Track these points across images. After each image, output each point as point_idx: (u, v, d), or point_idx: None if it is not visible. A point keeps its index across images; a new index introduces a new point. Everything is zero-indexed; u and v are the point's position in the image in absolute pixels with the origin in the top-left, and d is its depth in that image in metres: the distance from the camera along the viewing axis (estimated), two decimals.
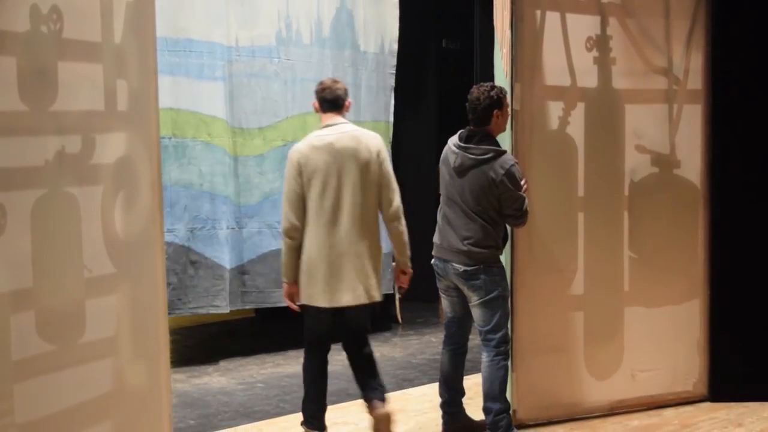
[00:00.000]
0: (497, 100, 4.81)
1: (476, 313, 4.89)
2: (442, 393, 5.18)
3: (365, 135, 4.81)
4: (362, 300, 4.75)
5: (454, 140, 4.92)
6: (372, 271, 4.77)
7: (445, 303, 5.12)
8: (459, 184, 4.84)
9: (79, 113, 3.59)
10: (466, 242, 4.81)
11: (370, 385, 4.92)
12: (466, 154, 4.81)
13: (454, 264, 4.85)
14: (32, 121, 3.36)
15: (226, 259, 6.91)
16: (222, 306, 6.91)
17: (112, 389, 3.83)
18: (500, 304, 4.86)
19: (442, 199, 4.99)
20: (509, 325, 5.09)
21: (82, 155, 3.59)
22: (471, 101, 4.85)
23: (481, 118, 4.83)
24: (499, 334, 4.86)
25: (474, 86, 4.90)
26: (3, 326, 3.23)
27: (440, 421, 5.25)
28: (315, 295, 4.72)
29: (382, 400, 4.90)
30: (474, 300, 4.86)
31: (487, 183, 4.73)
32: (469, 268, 4.80)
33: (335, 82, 4.89)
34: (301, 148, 4.78)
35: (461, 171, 4.82)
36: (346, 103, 4.86)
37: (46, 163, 3.41)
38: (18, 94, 3.27)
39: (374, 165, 4.74)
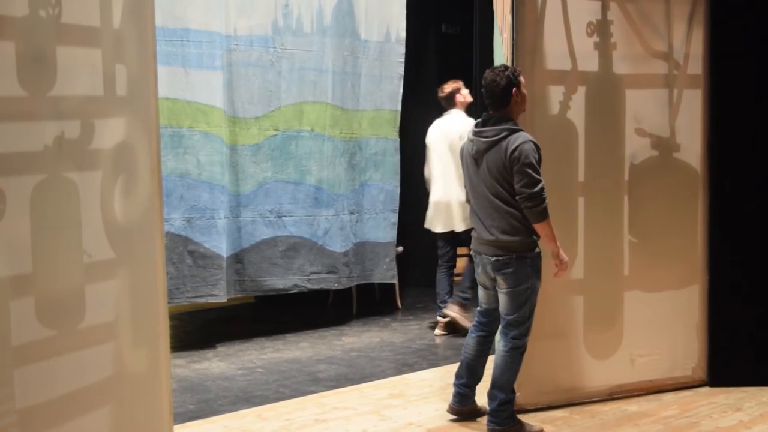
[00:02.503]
0: (515, 78, 4.72)
1: (502, 299, 4.81)
2: (461, 374, 5.11)
3: (458, 122, 7.19)
4: (449, 228, 7.41)
5: (474, 126, 4.87)
6: (456, 211, 7.30)
7: (480, 293, 5.04)
8: (479, 172, 4.76)
9: (78, 98, 3.59)
10: (493, 231, 4.72)
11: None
12: (480, 139, 4.73)
13: (487, 255, 4.79)
14: (31, 106, 3.35)
15: (223, 248, 6.93)
16: (220, 295, 6.95)
17: (112, 374, 3.83)
18: (528, 296, 4.76)
19: (468, 192, 4.94)
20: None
21: (81, 140, 3.59)
22: (488, 84, 4.73)
23: (501, 100, 4.72)
24: (520, 328, 4.78)
25: (487, 71, 4.81)
26: (3, 312, 3.23)
27: (439, 405, 5.26)
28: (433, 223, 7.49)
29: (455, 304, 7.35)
30: (503, 288, 4.77)
31: (501, 163, 4.64)
32: (501, 257, 4.72)
33: (440, 90, 7.41)
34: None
35: (478, 157, 4.75)
36: (455, 99, 7.35)
37: (45, 148, 3.41)
38: (17, 79, 3.26)
39: (456, 142, 6.91)
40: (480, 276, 4.96)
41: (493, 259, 4.75)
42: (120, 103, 3.87)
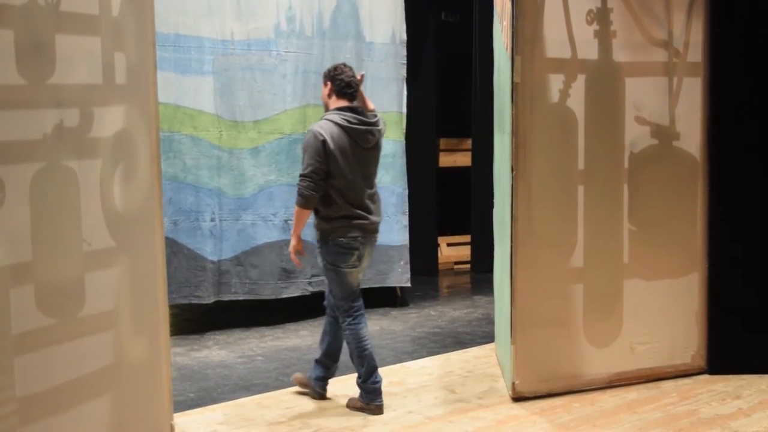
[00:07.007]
0: None
1: (360, 275, 5.13)
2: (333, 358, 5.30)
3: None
4: None
5: (348, 119, 4.86)
6: None
7: (354, 278, 5.07)
8: (367, 159, 4.96)
9: (78, 87, 3.58)
10: (379, 211, 5.04)
11: None
12: (377, 128, 4.99)
13: (374, 236, 5.04)
14: (30, 94, 3.35)
15: (208, 250, 6.98)
16: (204, 296, 7.07)
17: (112, 362, 3.84)
18: None
19: (338, 180, 4.82)
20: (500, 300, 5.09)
21: (80, 129, 3.59)
22: (352, 81, 4.93)
23: (356, 92, 4.99)
24: None
25: (340, 66, 4.97)
26: (3, 300, 3.24)
27: (438, 393, 5.26)
28: None
29: None
30: (366, 263, 5.10)
31: (379, 148, 5.08)
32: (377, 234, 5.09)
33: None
34: None
35: (372, 144, 4.97)
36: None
37: (44, 136, 3.41)
38: (16, 67, 3.26)
39: None
40: (355, 261, 4.98)
41: (377, 236, 5.07)
42: (119, 91, 3.86)
